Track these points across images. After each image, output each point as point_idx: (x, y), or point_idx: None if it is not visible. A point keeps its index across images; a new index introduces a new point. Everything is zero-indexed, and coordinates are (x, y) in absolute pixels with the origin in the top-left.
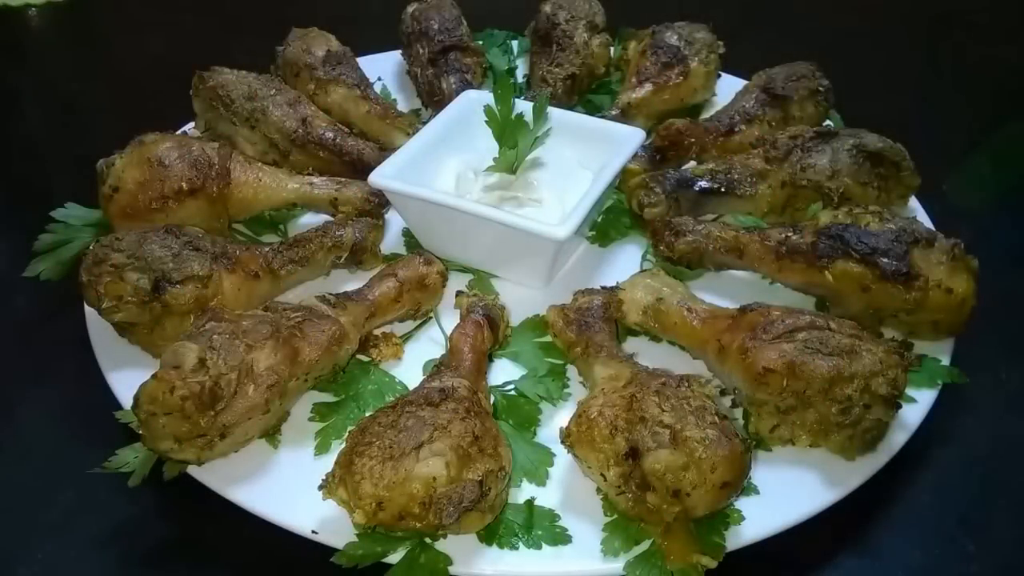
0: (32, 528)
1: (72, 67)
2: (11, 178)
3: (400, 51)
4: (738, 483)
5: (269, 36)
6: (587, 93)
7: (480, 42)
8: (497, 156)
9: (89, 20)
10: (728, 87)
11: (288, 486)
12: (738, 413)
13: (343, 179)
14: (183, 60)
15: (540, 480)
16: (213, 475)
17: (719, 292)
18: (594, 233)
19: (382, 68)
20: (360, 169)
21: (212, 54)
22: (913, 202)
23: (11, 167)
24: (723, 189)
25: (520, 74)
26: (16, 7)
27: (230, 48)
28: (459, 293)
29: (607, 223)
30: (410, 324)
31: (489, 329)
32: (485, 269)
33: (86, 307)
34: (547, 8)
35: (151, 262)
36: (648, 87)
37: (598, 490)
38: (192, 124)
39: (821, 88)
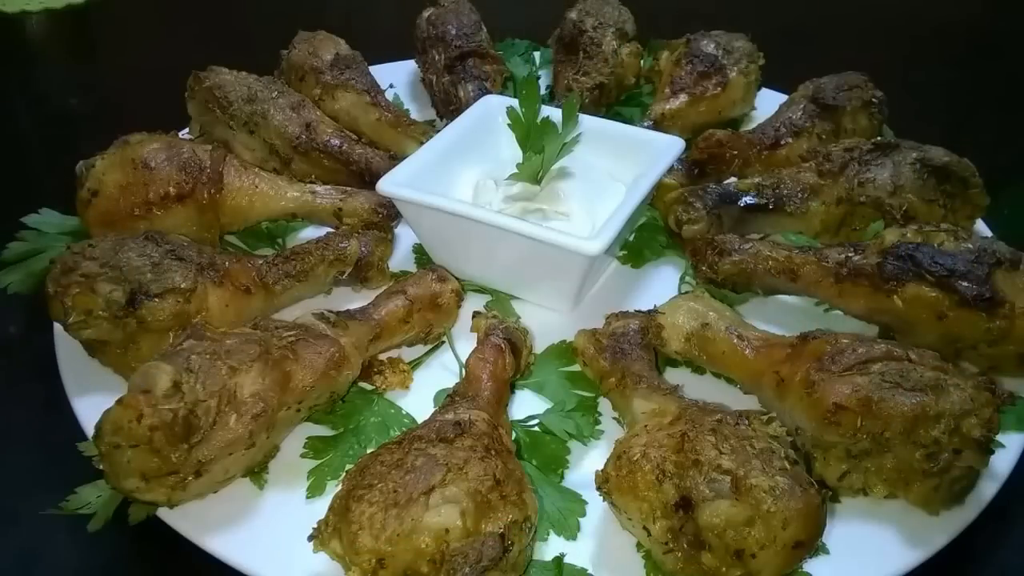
0: None
1: (69, 73)
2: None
3: (413, 59)
4: (813, 542)
5: (272, 47)
6: (615, 105)
7: (500, 52)
8: (520, 164)
9: (87, 27)
10: (770, 103)
11: (274, 535)
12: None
13: (349, 188)
14: (182, 66)
15: (570, 533)
16: (186, 520)
17: (765, 320)
18: (626, 252)
19: (393, 78)
20: (369, 181)
21: (212, 63)
22: (979, 225)
23: (7, 171)
24: (771, 205)
25: (542, 85)
26: (13, 14)
27: (229, 61)
28: (476, 314)
29: (641, 241)
30: (420, 348)
31: (511, 354)
32: (505, 288)
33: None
34: (573, 15)
35: (127, 272)
36: (683, 98)
37: (639, 546)
38: (187, 130)
39: (875, 100)
